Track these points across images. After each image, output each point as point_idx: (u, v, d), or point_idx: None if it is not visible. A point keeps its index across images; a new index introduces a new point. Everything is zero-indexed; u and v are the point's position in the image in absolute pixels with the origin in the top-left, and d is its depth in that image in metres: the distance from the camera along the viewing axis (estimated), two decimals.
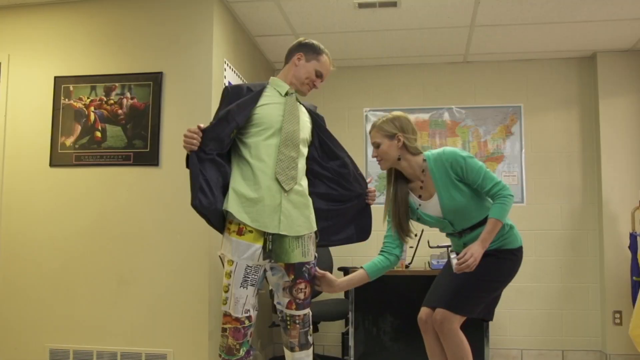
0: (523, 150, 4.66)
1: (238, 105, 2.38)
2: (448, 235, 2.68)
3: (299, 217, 2.39)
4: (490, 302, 2.62)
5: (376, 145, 2.58)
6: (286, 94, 2.51)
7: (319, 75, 2.55)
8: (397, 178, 2.62)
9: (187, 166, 2.31)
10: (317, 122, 2.59)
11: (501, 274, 2.55)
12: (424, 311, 2.59)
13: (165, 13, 3.63)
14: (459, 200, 2.48)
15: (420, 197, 2.58)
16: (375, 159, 2.63)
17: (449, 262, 2.61)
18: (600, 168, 4.48)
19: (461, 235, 2.58)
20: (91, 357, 3.47)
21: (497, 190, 2.44)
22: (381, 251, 2.61)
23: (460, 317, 2.49)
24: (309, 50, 2.54)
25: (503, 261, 2.53)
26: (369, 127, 4.80)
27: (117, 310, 3.48)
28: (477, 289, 2.50)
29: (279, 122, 2.42)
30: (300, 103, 2.59)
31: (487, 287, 2.53)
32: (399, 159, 2.54)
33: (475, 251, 2.37)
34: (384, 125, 2.56)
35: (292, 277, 2.40)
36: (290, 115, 2.45)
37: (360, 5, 3.73)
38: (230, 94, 2.45)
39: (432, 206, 2.56)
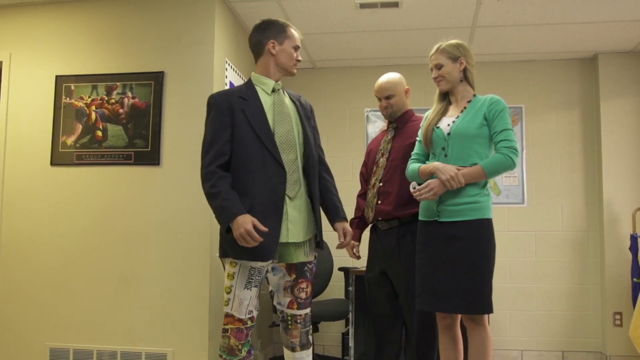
0: (524, 151, 4.66)
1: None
2: None
3: (302, 221, 2.39)
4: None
5: (438, 67, 2.61)
6: (273, 91, 2.45)
7: (297, 49, 2.50)
8: (443, 100, 2.69)
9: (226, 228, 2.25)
10: (301, 113, 2.51)
11: (484, 249, 2.48)
12: (443, 316, 2.59)
13: (167, 12, 3.63)
14: (473, 132, 2.49)
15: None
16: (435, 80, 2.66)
17: (425, 250, 2.59)
18: (601, 169, 4.47)
19: None
20: (91, 356, 3.47)
21: (504, 145, 2.44)
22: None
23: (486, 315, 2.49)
24: (276, 32, 2.46)
25: (476, 240, 2.47)
26: (369, 127, 4.86)
27: (118, 310, 3.48)
28: (480, 277, 2.45)
29: (272, 127, 2.37)
30: (287, 93, 2.53)
31: (484, 267, 2.46)
32: (460, 81, 2.60)
33: (435, 184, 2.44)
34: (449, 48, 2.61)
35: (294, 276, 2.40)
36: (281, 116, 2.41)
37: (362, 6, 3.73)
38: (221, 104, 2.36)
39: (447, 120, 2.60)
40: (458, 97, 2.63)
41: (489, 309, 2.45)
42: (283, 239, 2.32)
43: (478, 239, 2.46)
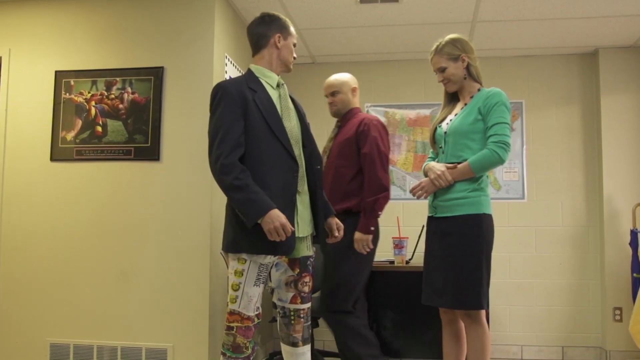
0: (524, 147, 4.66)
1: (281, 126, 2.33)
2: None
3: (308, 216, 2.41)
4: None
5: (441, 70, 2.60)
6: (278, 86, 2.43)
7: (295, 45, 2.52)
8: (451, 99, 2.69)
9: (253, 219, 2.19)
10: (299, 109, 2.52)
11: (472, 245, 2.46)
12: (444, 311, 2.61)
13: (167, 8, 3.62)
14: (465, 129, 2.49)
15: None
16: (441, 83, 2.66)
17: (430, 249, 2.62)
18: (601, 164, 4.47)
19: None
20: (91, 351, 3.48)
21: (492, 139, 2.42)
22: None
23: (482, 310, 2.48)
24: (281, 27, 2.46)
25: (464, 236, 2.46)
26: None
27: (118, 305, 3.48)
28: (468, 272, 2.44)
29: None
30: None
31: (472, 263, 2.44)
32: (464, 79, 2.59)
33: (425, 182, 2.51)
34: (447, 48, 2.59)
35: (298, 270, 2.42)
36: (287, 110, 2.39)
37: (362, 1, 3.73)
38: (233, 93, 2.28)
39: (448, 119, 2.62)
40: (464, 93, 2.63)
41: (479, 305, 2.43)
42: (295, 234, 2.32)
43: (466, 234, 2.46)
